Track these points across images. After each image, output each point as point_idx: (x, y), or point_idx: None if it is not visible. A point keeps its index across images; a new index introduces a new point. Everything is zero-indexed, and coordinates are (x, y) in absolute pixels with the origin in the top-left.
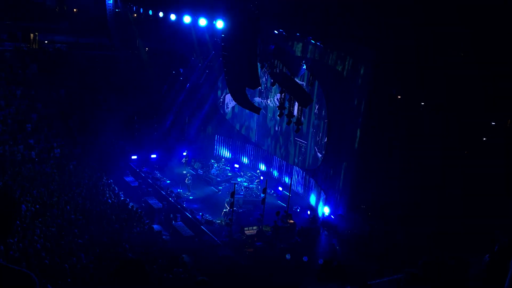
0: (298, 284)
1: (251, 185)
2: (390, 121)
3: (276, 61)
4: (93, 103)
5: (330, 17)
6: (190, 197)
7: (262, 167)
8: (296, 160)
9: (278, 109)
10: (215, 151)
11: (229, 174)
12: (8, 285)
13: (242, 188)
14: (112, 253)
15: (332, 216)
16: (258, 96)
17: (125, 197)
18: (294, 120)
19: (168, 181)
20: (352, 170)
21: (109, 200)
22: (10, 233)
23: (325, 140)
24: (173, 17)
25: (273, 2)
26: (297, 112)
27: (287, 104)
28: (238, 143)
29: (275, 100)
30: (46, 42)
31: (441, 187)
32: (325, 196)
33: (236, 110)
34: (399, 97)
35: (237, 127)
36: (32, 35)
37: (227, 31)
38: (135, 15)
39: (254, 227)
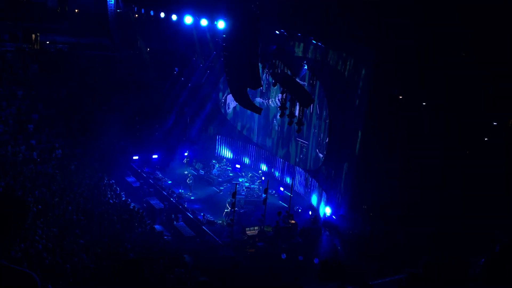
0: (299, 284)
1: (252, 186)
2: (390, 121)
3: (277, 62)
4: (94, 103)
5: (330, 17)
6: (192, 198)
7: (264, 167)
8: (297, 160)
9: (280, 109)
10: (216, 152)
11: (230, 174)
12: (10, 285)
13: (244, 188)
14: (113, 254)
15: (333, 217)
16: (259, 97)
17: (126, 197)
18: (295, 120)
19: (170, 182)
20: (353, 171)
21: (111, 201)
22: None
23: (327, 141)
24: (174, 17)
25: (274, 3)
26: (299, 113)
27: (288, 105)
28: (239, 144)
29: (277, 100)
30: (47, 42)
31: (441, 187)
32: (326, 197)
33: (237, 108)
34: (400, 97)
35: (239, 127)
36: (33, 35)
37: (228, 31)
38: (136, 15)
39: (256, 228)
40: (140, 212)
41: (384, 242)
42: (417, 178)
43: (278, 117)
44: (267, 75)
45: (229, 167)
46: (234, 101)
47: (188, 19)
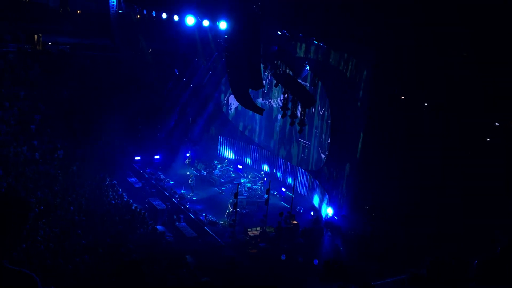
0: (301, 284)
1: (254, 186)
2: (390, 121)
3: (279, 62)
4: (96, 104)
5: (330, 17)
6: (194, 198)
7: (266, 168)
8: (299, 161)
9: (281, 110)
10: (218, 152)
11: (232, 175)
12: (9, 286)
13: (246, 189)
14: (115, 254)
15: (335, 217)
16: (261, 97)
17: (128, 198)
18: (297, 121)
19: (172, 182)
20: (355, 171)
21: (113, 201)
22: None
23: (328, 141)
24: (176, 18)
25: (275, 3)
26: (300, 113)
27: (290, 105)
28: (241, 144)
29: (278, 101)
30: (50, 43)
31: (441, 187)
32: (328, 197)
33: (239, 109)
34: (402, 97)
35: (241, 127)
36: (36, 36)
37: (230, 32)
38: (138, 16)
39: (258, 228)
40: (142, 212)
41: (385, 242)
42: (417, 178)
43: (280, 117)
44: (269, 76)
45: (231, 167)
46: (236, 102)
47: (190, 20)
